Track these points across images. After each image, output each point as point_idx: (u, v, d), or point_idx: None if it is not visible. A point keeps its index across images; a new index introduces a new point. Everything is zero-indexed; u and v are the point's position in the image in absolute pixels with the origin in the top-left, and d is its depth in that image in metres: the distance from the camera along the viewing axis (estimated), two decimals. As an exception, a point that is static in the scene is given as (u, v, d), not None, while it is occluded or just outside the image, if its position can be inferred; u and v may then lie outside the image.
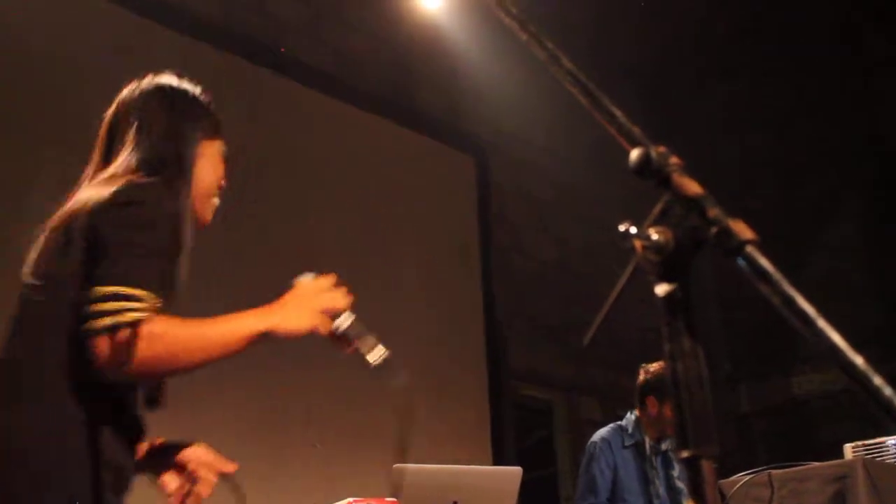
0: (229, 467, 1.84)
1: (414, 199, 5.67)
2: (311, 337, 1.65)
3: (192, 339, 1.54)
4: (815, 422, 7.05)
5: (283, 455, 4.49)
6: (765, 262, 0.70)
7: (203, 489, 1.80)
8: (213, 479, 1.81)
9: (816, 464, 3.40)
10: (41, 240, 1.67)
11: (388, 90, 5.74)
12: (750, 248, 0.71)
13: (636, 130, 0.79)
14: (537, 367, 6.28)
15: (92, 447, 1.55)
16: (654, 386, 4.08)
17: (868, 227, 7.07)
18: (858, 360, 0.67)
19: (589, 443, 4.23)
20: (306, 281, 1.71)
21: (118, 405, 1.64)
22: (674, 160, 0.76)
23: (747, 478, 3.33)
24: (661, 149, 0.77)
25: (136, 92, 1.82)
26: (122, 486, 1.64)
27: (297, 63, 5.20)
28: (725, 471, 3.48)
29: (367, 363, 1.67)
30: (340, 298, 1.71)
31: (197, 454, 1.83)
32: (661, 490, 4.05)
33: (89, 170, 1.81)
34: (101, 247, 1.55)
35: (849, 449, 3.89)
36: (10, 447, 1.52)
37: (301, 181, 5.06)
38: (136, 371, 1.50)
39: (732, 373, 7.51)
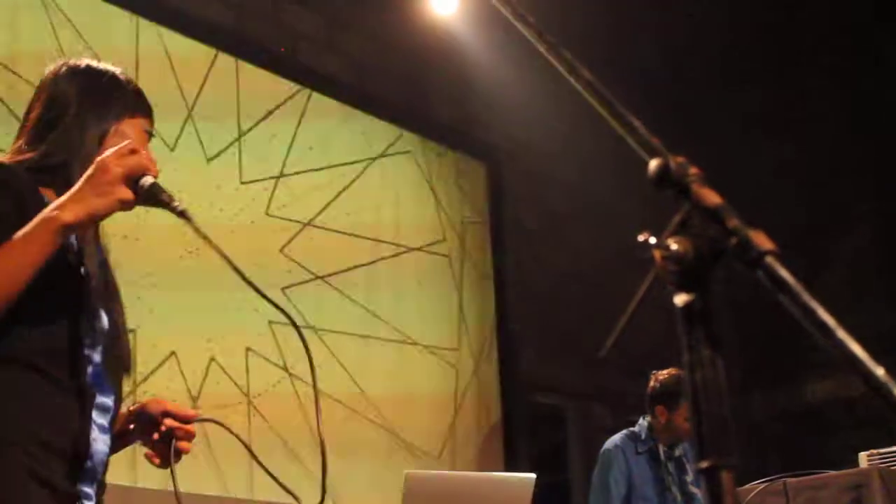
0: (190, 412, 1.78)
1: (425, 205, 5.68)
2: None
3: None
4: (829, 429, 7.01)
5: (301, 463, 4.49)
6: (785, 273, 0.70)
7: (183, 444, 1.74)
8: (188, 428, 1.75)
9: (832, 472, 3.39)
10: None
11: (402, 97, 5.75)
12: (770, 259, 0.71)
13: (655, 141, 0.79)
14: (550, 375, 6.27)
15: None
16: (663, 394, 4.07)
17: (887, 235, 7.03)
18: (880, 371, 0.67)
19: (602, 450, 4.22)
20: (100, 158, 1.51)
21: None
22: (693, 170, 0.76)
23: (762, 486, 3.32)
24: (680, 159, 0.77)
25: (51, 74, 1.77)
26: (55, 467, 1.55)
27: (310, 71, 5.22)
28: (738, 479, 3.46)
29: (177, 212, 1.52)
30: (140, 160, 1.52)
31: (158, 409, 1.76)
32: (679, 495, 4.04)
33: None
34: None
35: (864, 457, 3.87)
36: None
37: (310, 185, 5.08)
38: None
39: (745, 379, 7.47)
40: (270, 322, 4.52)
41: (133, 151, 1.50)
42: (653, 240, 0.76)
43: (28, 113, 1.74)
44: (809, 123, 7.25)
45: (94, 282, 1.63)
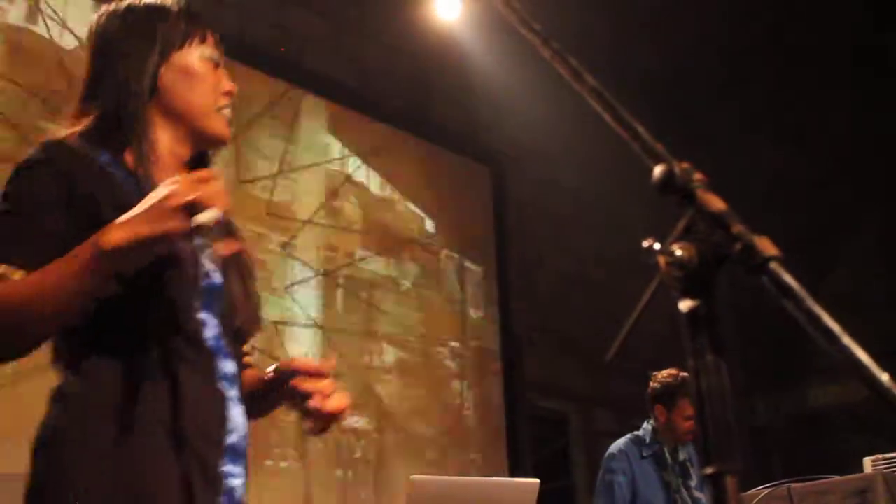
0: (327, 364, 1.56)
1: (431, 210, 5.68)
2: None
3: (25, 294, 1.29)
4: (832, 434, 7.00)
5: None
6: (789, 279, 0.70)
7: (332, 404, 1.52)
8: (315, 387, 1.52)
9: (836, 477, 3.38)
10: None
11: (407, 102, 5.76)
12: (774, 265, 0.71)
13: (659, 147, 0.79)
14: (553, 379, 6.27)
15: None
16: (662, 394, 4.07)
17: (889, 240, 7.03)
18: (884, 377, 0.67)
19: (606, 454, 4.21)
20: (167, 182, 1.31)
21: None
22: (697, 176, 0.77)
23: (766, 491, 3.31)
24: (685, 165, 0.77)
25: (92, 27, 1.59)
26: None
27: (316, 75, 5.23)
28: (742, 484, 3.46)
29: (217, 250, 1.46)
30: (209, 193, 1.28)
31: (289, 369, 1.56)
32: (683, 500, 4.03)
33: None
34: None
35: (868, 462, 3.86)
36: None
37: (316, 188, 5.09)
38: None
39: (749, 384, 7.47)
40: (275, 323, 4.53)
41: (205, 180, 1.30)
42: (657, 245, 0.77)
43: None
44: (812, 127, 7.25)
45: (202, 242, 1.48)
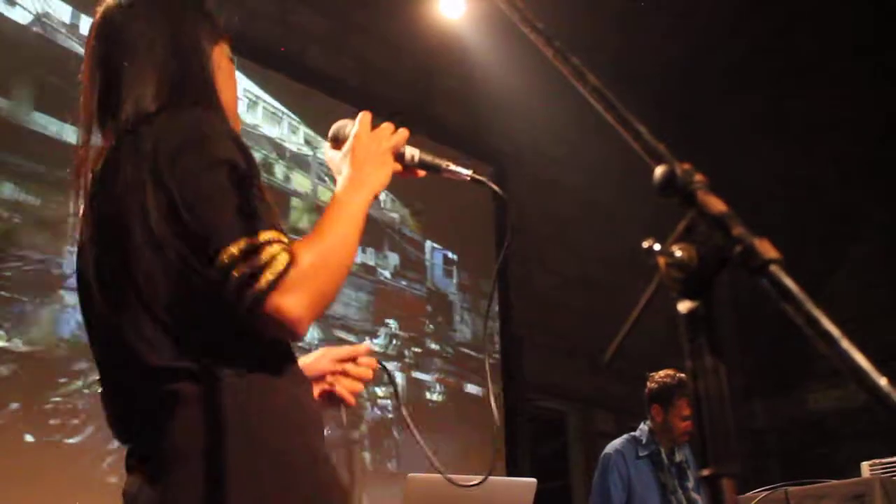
0: (362, 349, 1.69)
1: (431, 208, 5.68)
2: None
3: (334, 247, 1.32)
4: (831, 438, 6.99)
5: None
6: (789, 282, 0.70)
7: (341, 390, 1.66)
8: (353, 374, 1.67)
9: (834, 481, 3.38)
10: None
11: (408, 100, 5.76)
12: (774, 268, 0.71)
13: (661, 147, 0.79)
14: (552, 379, 6.27)
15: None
16: (659, 394, 4.08)
17: (891, 242, 7.02)
18: (882, 382, 0.67)
19: (602, 455, 4.21)
20: (363, 133, 1.50)
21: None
22: (699, 177, 0.76)
23: (763, 494, 3.31)
24: (686, 166, 0.77)
25: (115, 13, 1.46)
26: None
27: (318, 73, 5.23)
28: (740, 487, 3.46)
29: (464, 176, 1.65)
30: (399, 135, 1.56)
31: (321, 367, 1.65)
32: (679, 501, 4.03)
33: (89, 126, 1.46)
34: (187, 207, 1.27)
35: (866, 467, 3.86)
36: None
37: (317, 188, 5.09)
38: (318, 310, 1.28)
39: (748, 387, 7.46)
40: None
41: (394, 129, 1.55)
42: (657, 246, 0.76)
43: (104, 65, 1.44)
44: (814, 130, 7.25)
45: None
